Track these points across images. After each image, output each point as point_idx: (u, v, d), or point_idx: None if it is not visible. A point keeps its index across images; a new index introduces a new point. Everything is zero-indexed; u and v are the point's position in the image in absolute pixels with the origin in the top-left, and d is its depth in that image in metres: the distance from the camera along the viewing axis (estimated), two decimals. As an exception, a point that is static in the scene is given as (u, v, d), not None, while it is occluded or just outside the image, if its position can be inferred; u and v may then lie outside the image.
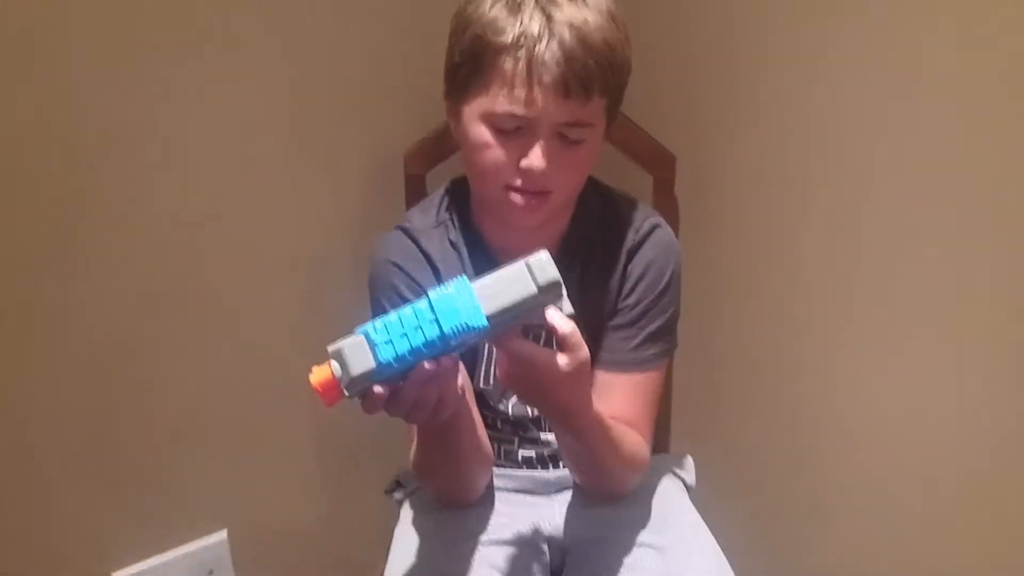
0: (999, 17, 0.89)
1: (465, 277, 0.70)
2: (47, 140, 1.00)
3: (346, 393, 0.69)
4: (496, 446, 1.01)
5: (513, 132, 0.82)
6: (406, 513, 1.03)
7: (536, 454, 1.01)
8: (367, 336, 0.68)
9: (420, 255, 0.93)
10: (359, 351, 0.68)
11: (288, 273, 1.21)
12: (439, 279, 0.93)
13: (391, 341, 0.68)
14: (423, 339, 0.68)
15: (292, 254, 1.21)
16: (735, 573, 0.94)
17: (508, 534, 0.96)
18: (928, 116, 0.98)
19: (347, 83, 1.17)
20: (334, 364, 0.68)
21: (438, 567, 0.93)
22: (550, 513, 0.99)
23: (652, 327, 0.94)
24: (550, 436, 1.01)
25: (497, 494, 1.01)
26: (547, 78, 0.78)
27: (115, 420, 1.14)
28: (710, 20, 1.17)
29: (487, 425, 1.00)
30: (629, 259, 0.94)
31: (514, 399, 0.99)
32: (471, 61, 0.82)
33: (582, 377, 0.78)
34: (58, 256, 1.05)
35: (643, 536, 0.95)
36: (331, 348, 0.69)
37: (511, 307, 0.70)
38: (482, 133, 0.83)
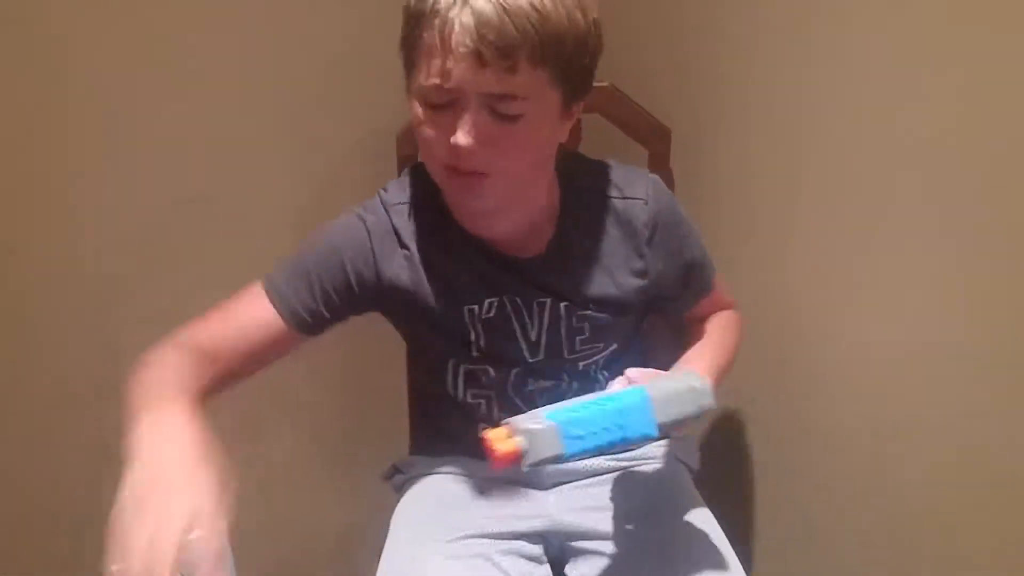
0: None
1: (644, 389, 0.76)
2: (31, 127, 0.99)
3: (525, 470, 0.72)
4: None
5: (444, 107, 0.78)
6: (403, 501, 1.02)
7: None
8: (560, 427, 0.72)
9: (391, 228, 0.91)
10: (549, 438, 0.72)
11: (280, 255, 1.20)
12: (403, 254, 0.91)
13: (581, 437, 0.73)
14: (607, 440, 0.74)
15: (285, 238, 1.19)
16: (738, 557, 0.93)
17: (506, 527, 0.95)
18: (925, 87, 0.96)
19: (338, 65, 1.16)
20: (521, 441, 0.71)
21: (434, 562, 0.91)
22: (548, 506, 0.98)
23: (703, 259, 0.99)
24: None
25: (495, 486, 0.99)
26: (459, 48, 0.73)
27: (116, 409, 1.14)
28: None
29: (482, 418, 0.97)
30: (650, 237, 0.93)
31: (517, 371, 0.95)
32: (406, 38, 0.80)
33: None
34: (56, 235, 1.04)
35: (644, 527, 0.94)
36: (521, 426, 0.72)
37: (674, 421, 0.77)
38: (417, 111, 0.80)
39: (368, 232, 0.90)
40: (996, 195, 0.92)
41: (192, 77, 1.07)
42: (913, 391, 1.07)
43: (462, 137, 0.77)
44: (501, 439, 0.72)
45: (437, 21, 0.74)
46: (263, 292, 0.89)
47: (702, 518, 0.97)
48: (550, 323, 0.93)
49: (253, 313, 0.89)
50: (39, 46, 0.96)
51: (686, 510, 0.97)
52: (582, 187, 0.93)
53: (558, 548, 0.97)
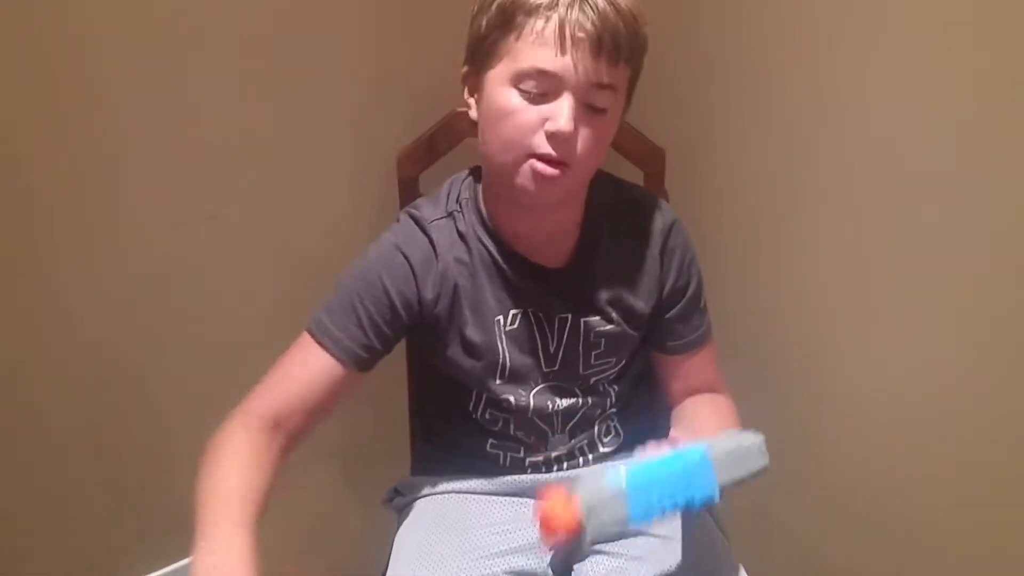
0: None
1: (704, 450, 0.73)
2: (39, 136, 1.00)
3: (587, 539, 0.68)
4: (502, 455, 1.01)
5: (539, 96, 0.82)
6: (405, 524, 1.02)
7: (544, 458, 1.00)
8: (629, 488, 0.69)
9: (428, 243, 0.93)
10: (616, 503, 0.68)
11: (282, 276, 1.21)
12: (441, 271, 0.92)
13: (649, 501, 0.69)
14: (673, 504, 0.70)
15: (286, 257, 1.21)
16: (736, 556, 0.95)
17: (510, 544, 0.95)
18: (916, 107, 0.98)
19: (339, 85, 1.17)
20: (584, 504, 0.67)
21: None
22: None
23: (702, 301, 1.00)
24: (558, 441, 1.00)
25: (499, 500, 1.00)
26: (581, 34, 0.80)
27: (121, 430, 1.15)
28: (695, 13, 1.17)
29: (498, 434, 0.99)
30: (664, 243, 0.96)
31: (536, 390, 0.97)
32: (500, 27, 0.83)
33: None
34: (58, 258, 1.05)
35: (649, 531, 0.94)
36: (582, 492, 0.67)
37: (735, 482, 0.74)
38: (508, 97, 0.83)
39: (406, 257, 0.92)
40: (1003, 203, 0.93)
41: (192, 99, 1.08)
42: (925, 400, 1.07)
43: (564, 123, 0.81)
44: (561, 504, 0.67)
45: (555, 13, 0.80)
46: (313, 342, 0.90)
47: (705, 525, 0.98)
48: (569, 337, 0.95)
49: (310, 366, 0.90)
50: (41, 55, 0.97)
51: (689, 517, 0.97)
52: (604, 199, 0.96)
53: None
